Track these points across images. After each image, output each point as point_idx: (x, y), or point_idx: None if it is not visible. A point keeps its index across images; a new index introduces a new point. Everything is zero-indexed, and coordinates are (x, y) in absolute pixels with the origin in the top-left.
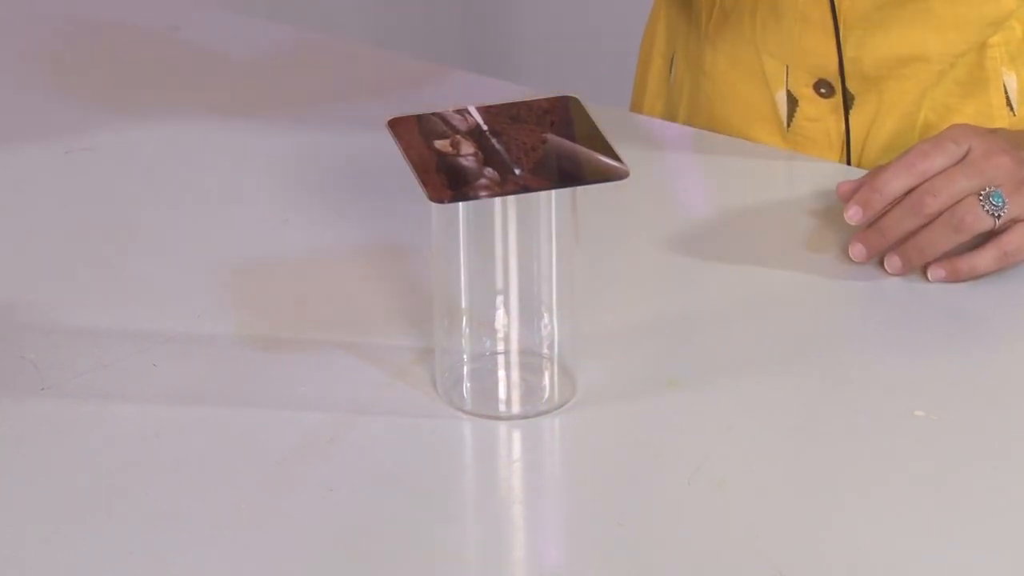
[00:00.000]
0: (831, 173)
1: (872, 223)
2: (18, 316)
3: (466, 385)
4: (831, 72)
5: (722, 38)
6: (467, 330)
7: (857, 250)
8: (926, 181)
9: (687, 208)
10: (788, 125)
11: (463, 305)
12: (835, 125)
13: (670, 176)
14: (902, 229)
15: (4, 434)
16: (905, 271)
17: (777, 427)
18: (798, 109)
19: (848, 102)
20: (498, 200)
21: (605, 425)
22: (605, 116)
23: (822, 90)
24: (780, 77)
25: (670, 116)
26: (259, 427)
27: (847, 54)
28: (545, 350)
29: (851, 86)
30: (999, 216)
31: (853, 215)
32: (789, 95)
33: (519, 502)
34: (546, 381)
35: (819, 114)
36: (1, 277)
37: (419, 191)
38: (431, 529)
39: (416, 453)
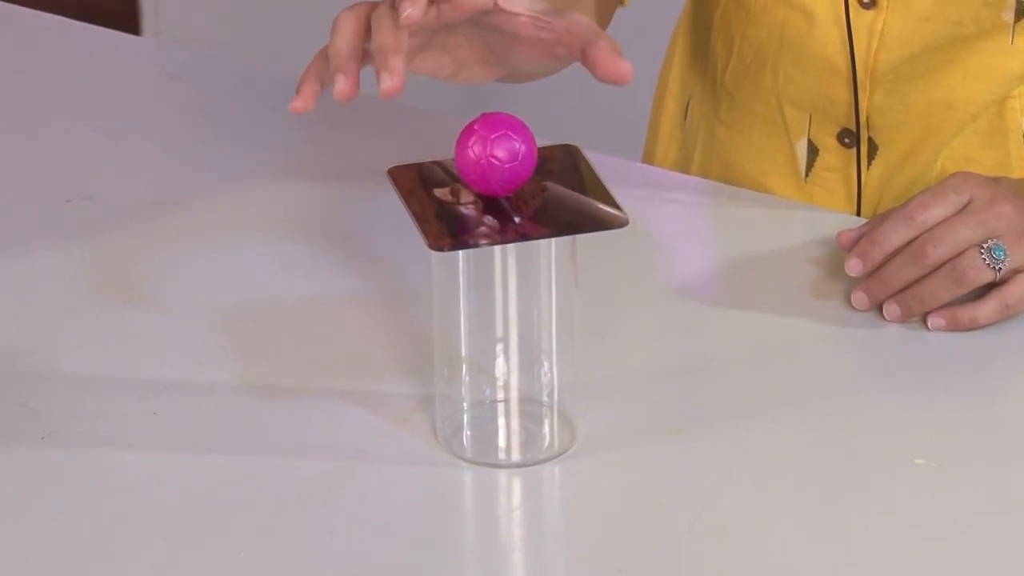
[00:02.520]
0: (838, 223)
1: (874, 272)
2: (19, 364)
3: (466, 433)
4: (856, 122)
5: (739, 88)
6: (467, 378)
7: (859, 299)
8: (926, 232)
9: (689, 256)
10: (806, 175)
11: (463, 353)
12: (854, 175)
13: (672, 225)
14: (902, 279)
15: (5, 482)
16: (904, 319)
17: (778, 474)
18: (818, 159)
19: (872, 152)
20: (498, 248)
21: (605, 473)
22: (610, 165)
23: (846, 140)
24: (802, 126)
25: (684, 161)
26: (259, 474)
27: (875, 105)
28: (545, 398)
29: (875, 136)
30: (1000, 269)
31: (852, 267)
32: (810, 144)
33: (519, 550)
34: (546, 429)
35: (839, 164)
36: (1, 324)
37: (419, 239)
38: None
39: (416, 501)
